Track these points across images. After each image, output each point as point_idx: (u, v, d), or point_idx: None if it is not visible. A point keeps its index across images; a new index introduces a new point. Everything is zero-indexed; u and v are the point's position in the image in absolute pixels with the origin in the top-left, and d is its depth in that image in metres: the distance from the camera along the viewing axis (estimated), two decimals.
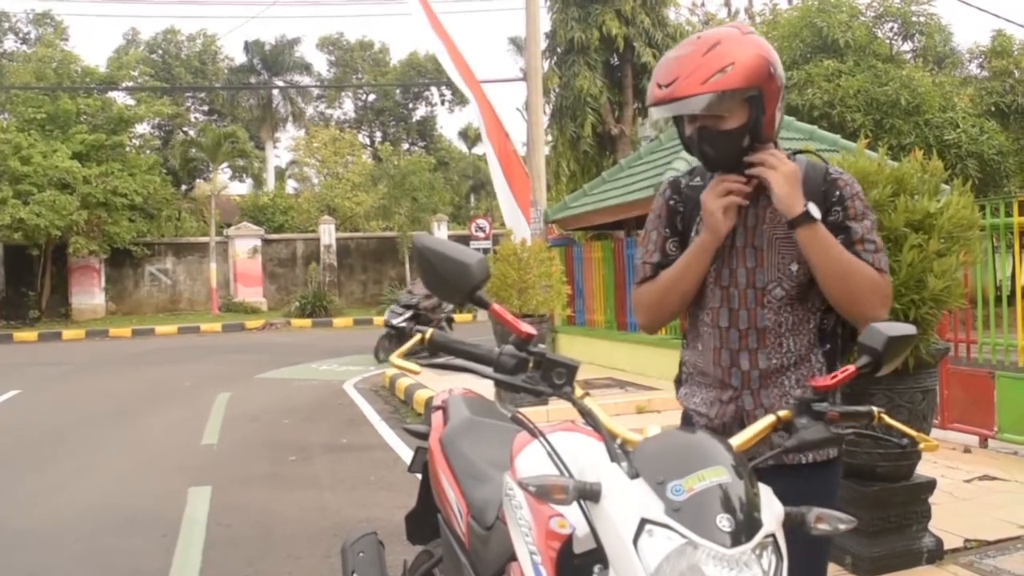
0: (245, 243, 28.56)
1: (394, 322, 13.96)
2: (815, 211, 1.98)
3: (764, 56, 1.98)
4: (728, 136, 2.01)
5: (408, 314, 13.93)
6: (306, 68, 43.37)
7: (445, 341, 1.83)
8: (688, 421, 2.25)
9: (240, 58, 42.74)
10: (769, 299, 2.08)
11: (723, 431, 2.10)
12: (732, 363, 2.12)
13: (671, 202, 2.23)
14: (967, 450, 6.18)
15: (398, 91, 44.10)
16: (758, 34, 2.05)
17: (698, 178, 2.20)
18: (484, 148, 13.46)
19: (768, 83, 1.98)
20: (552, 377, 1.77)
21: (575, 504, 1.54)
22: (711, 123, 2.01)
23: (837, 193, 2.05)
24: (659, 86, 1.99)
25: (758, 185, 2.07)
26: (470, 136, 43.45)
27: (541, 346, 1.82)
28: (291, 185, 40.37)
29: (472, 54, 13.69)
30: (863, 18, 19.40)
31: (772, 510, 1.50)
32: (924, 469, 4.18)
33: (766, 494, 1.52)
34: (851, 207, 2.05)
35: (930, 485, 4.05)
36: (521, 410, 1.84)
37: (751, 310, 2.10)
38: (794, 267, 2.06)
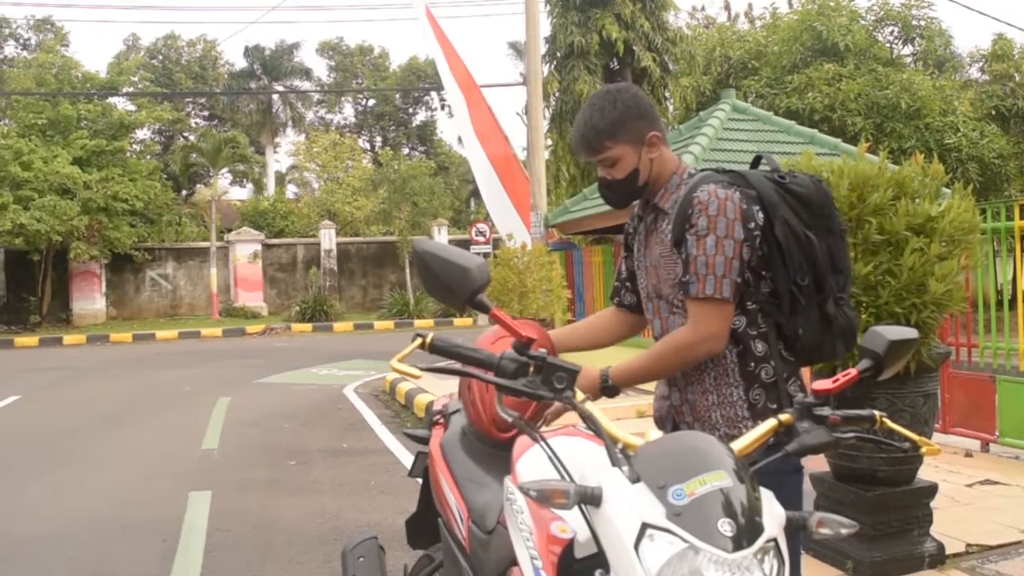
0: (245, 248, 28.58)
1: None
2: (606, 376, 2.23)
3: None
4: (619, 183, 2.30)
5: None
6: (306, 73, 43.42)
7: (446, 345, 1.83)
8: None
9: (240, 63, 42.84)
10: (675, 307, 2.26)
11: (660, 424, 2.35)
12: None
13: (627, 224, 2.52)
14: (968, 454, 6.17)
15: (398, 96, 44.13)
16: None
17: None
18: (473, 154, 13.38)
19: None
20: (553, 381, 1.77)
21: (576, 508, 1.54)
22: (607, 175, 2.31)
23: (689, 210, 2.15)
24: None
25: (653, 209, 2.31)
26: (463, 142, 43.35)
27: (541, 350, 1.82)
28: (291, 190, 40.36)
29: (472, 59, 13.71)
30: (863, 21, 19.45)
31: (774, 514, 1.49)
32: (925, 473, 4.18)
33: (767, 498, 1.52)
34: (695, 222, 2.13)
35: (931, 489, 4.04)
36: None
37: (664, 318, 2.32)
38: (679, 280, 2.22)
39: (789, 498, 1.97)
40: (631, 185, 2.28)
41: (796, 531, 1.55)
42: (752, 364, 2.18)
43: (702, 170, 2.29)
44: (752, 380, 2.18)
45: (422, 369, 1.89)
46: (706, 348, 2.13)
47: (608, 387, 2.22)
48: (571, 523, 1.73)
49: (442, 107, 44.32)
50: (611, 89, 2.30)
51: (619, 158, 2.24)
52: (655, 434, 1.72)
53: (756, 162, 2.36)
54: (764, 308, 2.19)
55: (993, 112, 18.91)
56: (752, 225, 2.13)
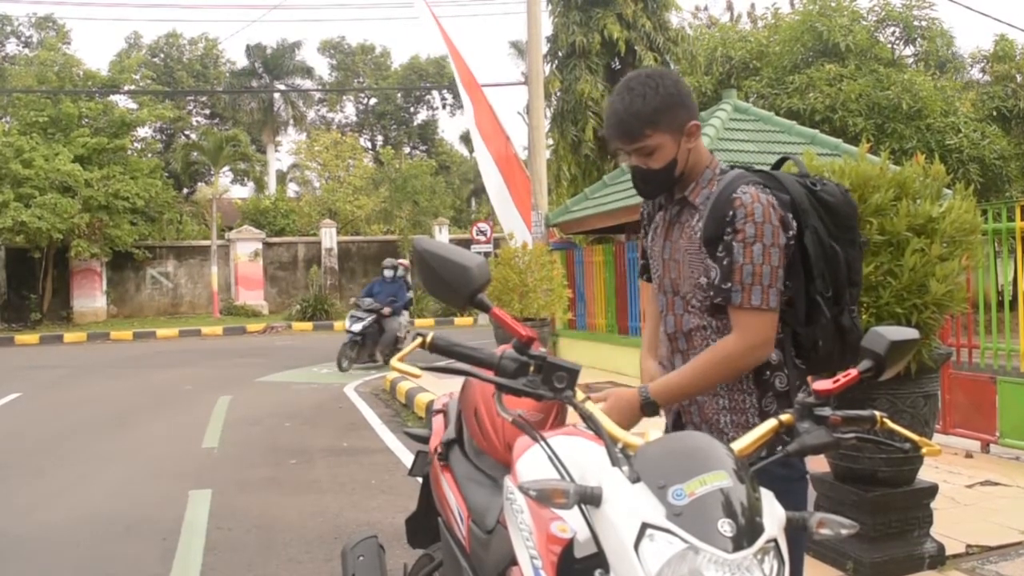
0: (246, 246, 28.58)
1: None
2: (645, 394, 2.10)
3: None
4: (655, 173, 2.19)
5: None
6: (307, 72, 43.42)
7: (446, 345, 1.83)
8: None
9: (242, 62, 42.86)
10: (691, 306, 2.20)
11: (671, 429, 2.27)
12: (672, 362, 2.27)
13: (643, 209, 2.46)
14: (969, 455, 6.16)
15: (399, 95, 44.12)
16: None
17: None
18: (478, 154, 13.42)
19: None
20: (553, 381, 1.77)
21: (576, 508, 1.54)
22: (642, 164, 2.20)
23: (731, 212, 2.07)
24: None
25: (680, 201, 2.23)
26: (471, 140, 43.33)
27: (542, 350, 1.82)
28: (292, 188, 40.36)
29: (474, 58, 13.73)
30: (864, 22, 19.42)
31: (774, 515, 1.49)
32: (926, 474, 4.17)
33: (768, 499, 1.52)
34: (741, 228, 2.04)
35: (932, 490, 4.04)
36: (522, 414, 1.84)
37: (678, 316, 2.24)
38: (703, 280, 2.15)
39: (796, 504, 1.95)
40: (667, 176, 2.17)
41: (798, 532, 1.55)
42: (767, 372, 2.14)
43: (732, 167, 2.23)
44: (766, 388, 2.14)
45: (422, 368, 1.89)
46: (755, 357, 2.07)
47: (649, 405, 2.10)
48: (571, 523, 1.73)
49: (443, 106, 44.43)
50: (652, 74, 2.17)
51: (658, 147, 2.13)
52: (655, 434, 1.72)
53: (779, 164, 2.30)
54: (783, 317, 2.14)
55: (994, 113, 18.90)
56: (791, 233, 2.09)
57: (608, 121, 2.20)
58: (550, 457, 1.73)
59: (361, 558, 3.11)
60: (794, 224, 2.10)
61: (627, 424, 2.05)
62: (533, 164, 13.27)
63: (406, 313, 14.73)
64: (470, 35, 61.73)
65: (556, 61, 19.45)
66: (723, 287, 2.07)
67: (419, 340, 1.81)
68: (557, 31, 19.37)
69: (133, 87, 30.03)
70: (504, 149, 13.21)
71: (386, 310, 13.84)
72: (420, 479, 3.08)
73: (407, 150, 42.97)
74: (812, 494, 4.12)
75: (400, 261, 15.06)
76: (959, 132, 17.24)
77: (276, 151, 42.65)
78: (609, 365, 11.18)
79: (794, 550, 2.05)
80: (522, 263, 10.22)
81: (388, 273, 14.52)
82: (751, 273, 2.03)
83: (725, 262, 2.07)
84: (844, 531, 1.54)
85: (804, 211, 2.11)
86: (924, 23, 19.84)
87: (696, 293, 2.16)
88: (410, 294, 14.86)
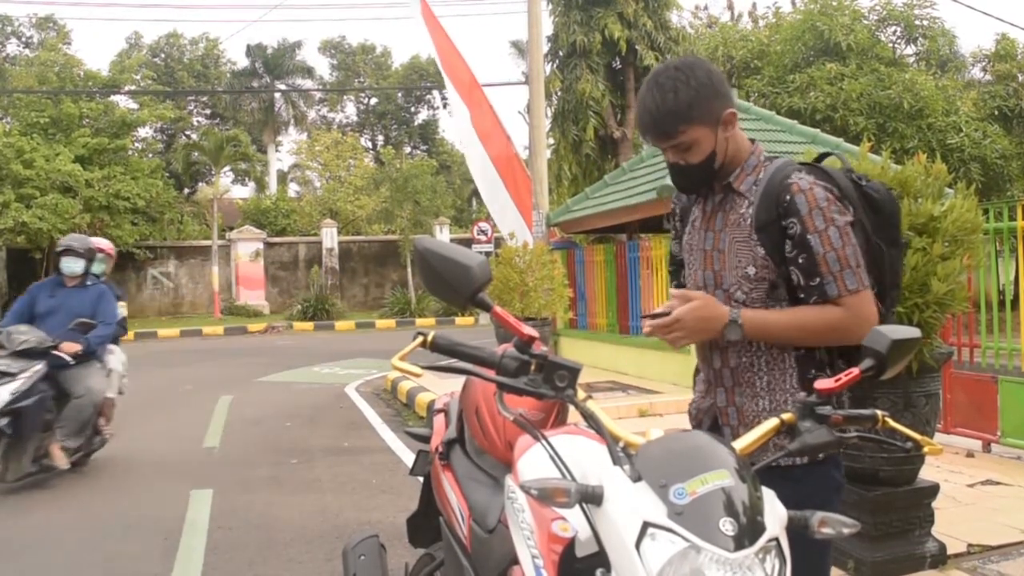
0: (247, 246, 28.60)
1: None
2: (736, 316, 2.02)
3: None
4: (694, 168, 2.13)
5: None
6: (308, 71, 43.46)
7: (447, 344, 1.83)
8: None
9: (242, 62, 42.93)
10: (734, 300, 2.12)
11: (697, 426, 2.22)
12: (709, 360, 2.21)
13: (673, 206, 2.41)
14: (970, 455, 6.16)
15: (400, 94, 44.17)
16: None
17: None
18: (473, 154, 13.39)
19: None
20: (554, 380, 1.77)
21: (577, 507, 1.54)
22: (680, 160, 2.13)
23: (787, 197, 2.02)
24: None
25: (724, 189, 2.16)
26: (464, 142, 43.28)
27: (543, 349, 1.82)
28: (293, 188, 40.41)
29: (474, 58, 13.71)
30: (865, 21, 19.41)
31: (775, 514, 1.49)
32: (927, 474, 4.17)
33: (769, 497, 1.52)
34: (808, 219, 1.99)
35: (933, 490, 4.03)
36: (523, 413, 1.84)
37: None
38: (751, 271, 2.08)
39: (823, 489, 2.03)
40: (707, 169, 2.11)
41: (799, 531, 1.54)
42: (812, 371, 2.08)
43: (772, 156, 2.18)
44: (812, 388, 2.04)
45: (423, 367, 1.89)
46: (859, 334, 1.97)
47: (733, 327, 2.01)
48: (572, 522, 1.73)
49: (444, 106, 44.43)
50: (681, 65, 2.07)
51: (695, 142, 2.06)
52: (656, 433, 1.72)
53: (821, 159, 2.25)
54: None
55: (996, 112, 18.89)
56: (850, 215, 2.05)
57: (640, 119, 2.12)
58: (551, 456, 1.73)
59: (362, 557, 3.11)
60: (851, 209, 2.06)
61: (697, 335, 2.05)
62: (534, 164, 13.26)
63: (117, 349, 7.58)
64: (470, 35, 61.79)
65: (557, 61, 19.48)
66: (811, 284, 2.01)
67: (420, 339, 1.81)
68: (558, 31, 19.39)
69: (134, 87, 30.07)
70: (505, 149, 13.21)
71: (68, 348, 6.39)
72: (421, 478, 3.08)
73: (408, 150, 42.99)
74: None
75: (99, 242, 7.62)
76: (960, 131, 17.23)
77: (277, 151, 42.73)
78: (610, 364, 11.17)
79: (822, 559, 2.05)
80: (523, 262, 10.22)
81: (71, 268, 6.85)
82: (836, 259, 1.99)
83: (802, 259, 2.01)
84: (845, 530, 1.53)
85: (853, 204, 2.07)
86: (925, 22, 19.83)
87: (741, 285, 2.10)
88: (122, 309, 7.54)
